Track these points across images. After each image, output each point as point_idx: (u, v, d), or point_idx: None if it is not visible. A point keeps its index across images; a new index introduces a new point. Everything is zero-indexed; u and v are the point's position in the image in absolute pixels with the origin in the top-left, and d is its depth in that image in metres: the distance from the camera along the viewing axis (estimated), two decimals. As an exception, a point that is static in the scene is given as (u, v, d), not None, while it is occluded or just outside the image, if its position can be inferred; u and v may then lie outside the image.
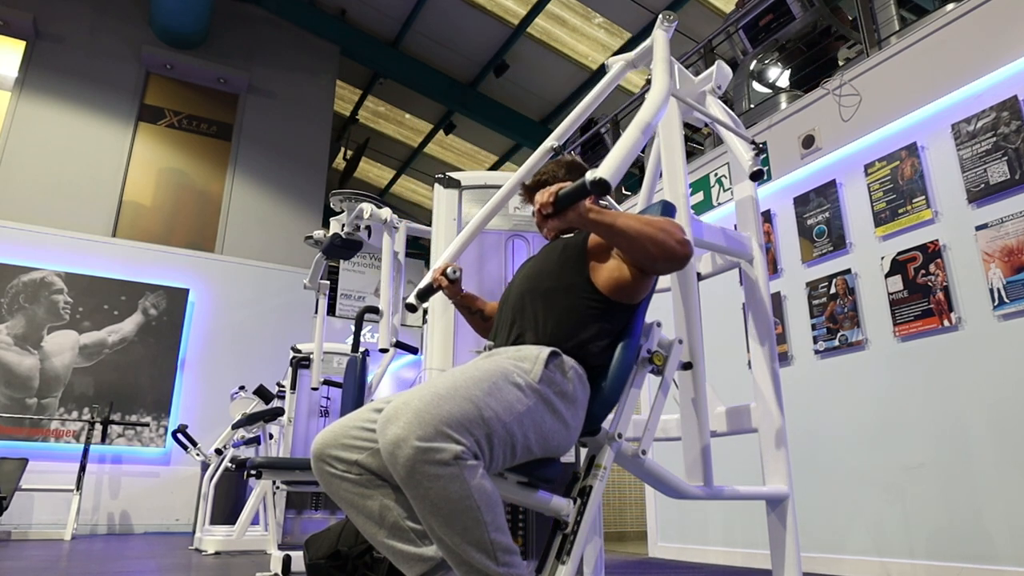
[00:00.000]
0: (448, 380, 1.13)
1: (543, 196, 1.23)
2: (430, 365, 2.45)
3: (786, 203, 3.53)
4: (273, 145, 8.80)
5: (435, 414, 1.05)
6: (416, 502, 1.05)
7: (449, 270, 1.65)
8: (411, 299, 1.69)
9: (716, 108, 2.02)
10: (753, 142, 1.95)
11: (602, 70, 4.90)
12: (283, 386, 4.75)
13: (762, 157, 2.04)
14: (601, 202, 1.67)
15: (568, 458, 2.17)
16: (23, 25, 7.62)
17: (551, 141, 1.88)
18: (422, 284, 1.71)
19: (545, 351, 1.27)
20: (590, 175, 1.19)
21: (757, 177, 1.89)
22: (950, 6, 3.06)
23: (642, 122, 1.46)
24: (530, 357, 1.26)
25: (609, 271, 1.39)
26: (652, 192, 2.18)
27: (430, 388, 1.10)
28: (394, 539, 1.17)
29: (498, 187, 2.27)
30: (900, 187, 2.98)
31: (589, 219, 1.24)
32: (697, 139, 5.06)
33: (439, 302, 2.49)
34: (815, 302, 3.27)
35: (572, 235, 1.53)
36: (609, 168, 1.26)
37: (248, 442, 4.83)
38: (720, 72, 2.05)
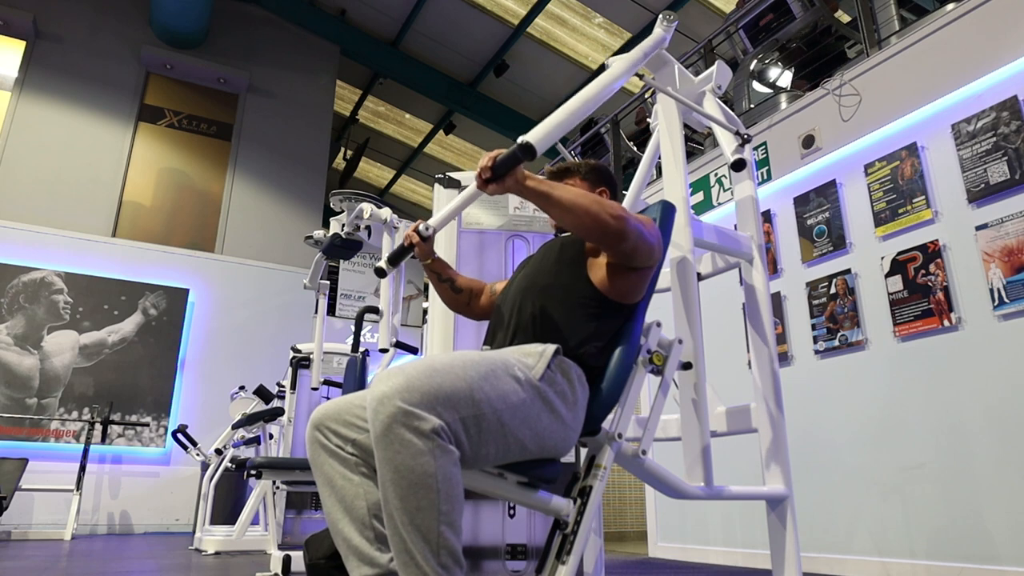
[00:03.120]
0: (446, 357, 1.14)
1: (484, 160, 1.26)
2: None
3: (786, 203, 3.53)
4: (273, 145, 8.79)
5: (426, 382, 1.05)
6: (381, 466, 1.03)
7: (422, 226, 1.53)
8: (382, 263, 1.58)
9: (711, 105, 2.02)
10: (738, 133, 1.93)
11: (602, 70, 4.90)
12: (283, 386, 4.75)
13: (746, 148, 2.02)
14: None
15: (568, 458, 2.17)
16: (23, 25, 7.62)
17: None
18: (394, 248, 1.58)
19: (550, 349, 1.26)
20: (520, 139, 1.21)
21: (739, 167, 1.87)
22: (950, 6, 3.05)
23: (585, 94, 1.45)
24: (534, 354, 1.26)
25: (607, 270, 1.39)
26: (640, 191, 2.19)
27: (427, 360, 1.11)
28: (354, 531, 1.14)
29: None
30: (900, 187, 2.98)
31: (526, 186, 1.26)
32: (697, 139, 5.06)
33: (440, 303, 2.49)
34: (815, 302, 3.27)
35: (571, 234, 1.52)
36: (536, 133, 1.27)
37: (248, 442, 4.83)
38: (720, 72, 2.05)
